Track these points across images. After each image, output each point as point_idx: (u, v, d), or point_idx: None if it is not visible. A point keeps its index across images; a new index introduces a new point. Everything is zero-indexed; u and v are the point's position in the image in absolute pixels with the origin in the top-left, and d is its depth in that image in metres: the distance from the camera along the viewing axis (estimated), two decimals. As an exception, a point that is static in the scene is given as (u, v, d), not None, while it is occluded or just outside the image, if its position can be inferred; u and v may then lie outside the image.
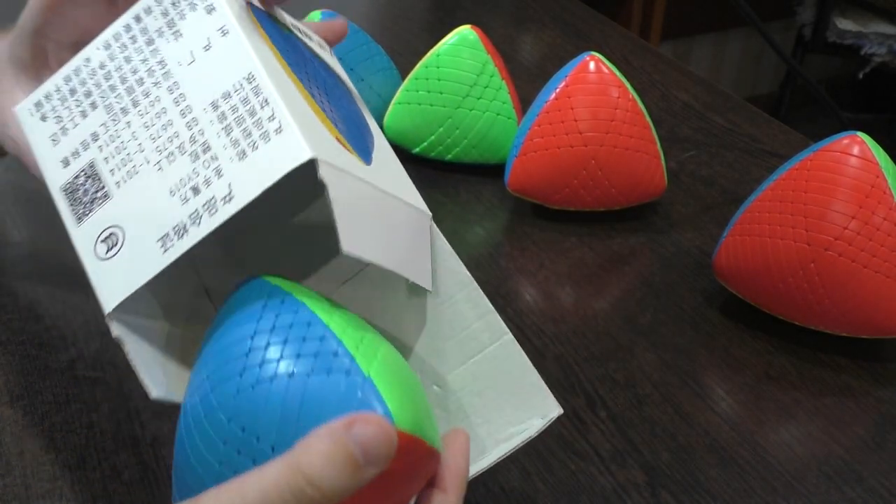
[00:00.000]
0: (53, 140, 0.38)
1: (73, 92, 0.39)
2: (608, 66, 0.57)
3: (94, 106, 0.38)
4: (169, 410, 0.45)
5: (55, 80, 0.39)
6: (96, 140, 0.37)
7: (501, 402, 0.39)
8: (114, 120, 0.37)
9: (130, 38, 0.38)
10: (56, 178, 0.38)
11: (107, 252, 0.36)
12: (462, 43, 0.62)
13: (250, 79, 0.34)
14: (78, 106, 0.38)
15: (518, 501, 0.41)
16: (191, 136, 0.35)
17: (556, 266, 0.56)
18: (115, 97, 0.37)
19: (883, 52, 1.94)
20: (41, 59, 0.45)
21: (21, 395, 0.46)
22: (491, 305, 0.39)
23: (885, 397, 0.47)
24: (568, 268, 0.56)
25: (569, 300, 0.54)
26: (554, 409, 0.38)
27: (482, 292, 0.39)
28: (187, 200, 0.34)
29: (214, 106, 0.35)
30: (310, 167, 0.33)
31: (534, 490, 0.42)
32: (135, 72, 0.37)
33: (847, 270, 0.47)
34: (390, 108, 0.64)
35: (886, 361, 0.50)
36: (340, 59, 0.63)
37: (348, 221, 0.33)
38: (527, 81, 0.75)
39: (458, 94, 0.62)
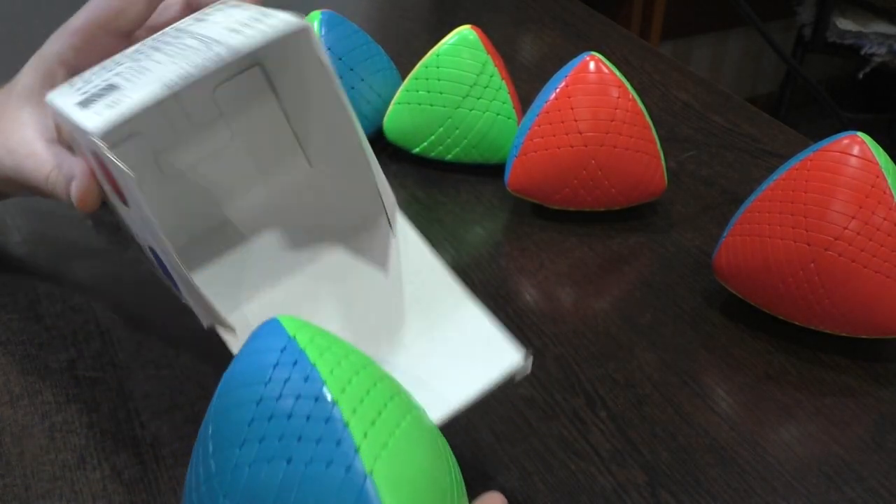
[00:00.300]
0: (78, 89, 0.41)
1: (104, 67, 0.42)
2: (608, 66, 0.57)
3: (120, 64, 0.42)
4: (169, 410, 0.46)
5: (92, 68, 0.43)
6: (118, 75, 0.40)
7: (466, 361, 0.40)
8: (136, 61, 0.41)
9: (163, 34, 0.43)
10: (71, 101, 0.40)
11: (108, 109, 0.37)
12: (462, 43, 0.62)
13: (263, 12, 0.40)
14: (106, 70, 0.42)
15: (518, 501, 0.41)
16: (202, 42, 0.40)
17: (556, 266, 0.56)
18: (142, 54, 0.42)
19: (883, 52, 1.94)
20: (49, 86, 0.46)
21: (21, 395, 0.46)
22: (454, 278, 0.42)
23: (885, 397, 0.47)
24: (568, 268, 0.56)
25: (569, 300, 0.54)
26: (518, 355, 0.39)
27: (449, 270, 0.42)
28: (191, 62, 0.38)
29: (228, 28, 0.40)
30: None
31: (534, 490, 0.42)
32: (157, 39, 0.42)
33: (847, 270, 0.47)
34: (390, 108, 0.64)
35: (886, 361, 0.50)
36: (340, 59, 0.64)
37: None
38: (527, 81, 0.75)
39: (458, 94, 0.62)
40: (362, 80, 0.65)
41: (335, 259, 0.44)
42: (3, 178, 0.47)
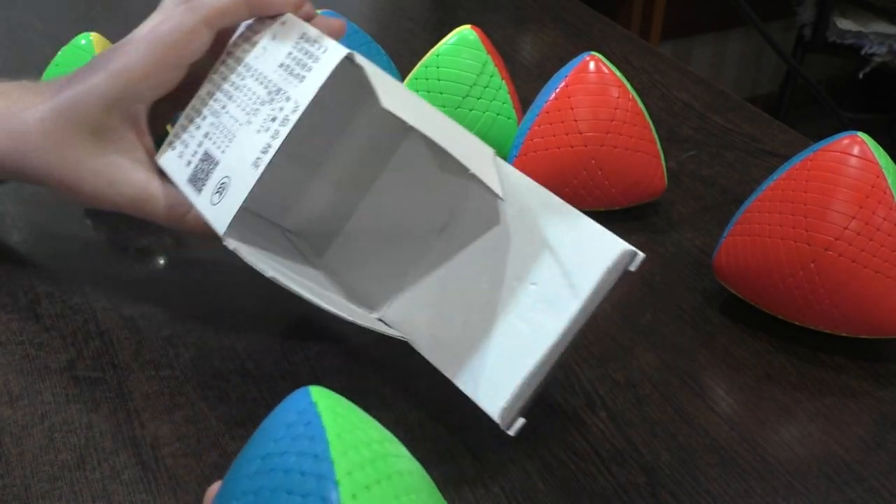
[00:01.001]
0: (179, 155, 0.46)
1: (191, 121, 0.47)
2: (608, 66, 0.57)
3: (203, 117, 0.46)
4: (169, 410, 0.46)
5: (180, 121, 0.48)
6: (207, 136, 0.45)
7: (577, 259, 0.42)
8: (216, 115, 0.45)
9: (226, 67, 0.47)
10: (182, 176, 0.46)
11: (220, 199, 0.43)
12: (462, 43, 0.62)
13: (303, 36, 0.44)
14: (195, 126, 0.46)
15: (518, 501, 0.41)
16: (268, 92, 0.43)
17: (556, 266, 0.56)
18: (218, 103, 0.46)
19: (883, 52, 1.94)
20: (134, 127, 0.48)
21: (21, 395, 0.46)
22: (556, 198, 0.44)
23: (885, 397, 0.47)
24: (568, 268, 0.56)
25: (569, 300, 0.54)
26: (622, 247, 0.41)
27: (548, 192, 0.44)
28: (269, 129, 0.42)
29: (282, 65, 0.44)
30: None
31: (534, 490, 0.42)
32: (225, 79, 0.47)
33: (847, 270, 0.47)
34: (390, 108, 0.64)
35: (886, 361, 0.50)
36: (341, 59, 0.63)
37: (383, 89, 0.41)
38: (527, 81, 0.75)
39: (458, 94, 0.62)
40: (362, 80, 0.65)
41: (450, 232, 0.47)
42: (105, 207, 0.49)
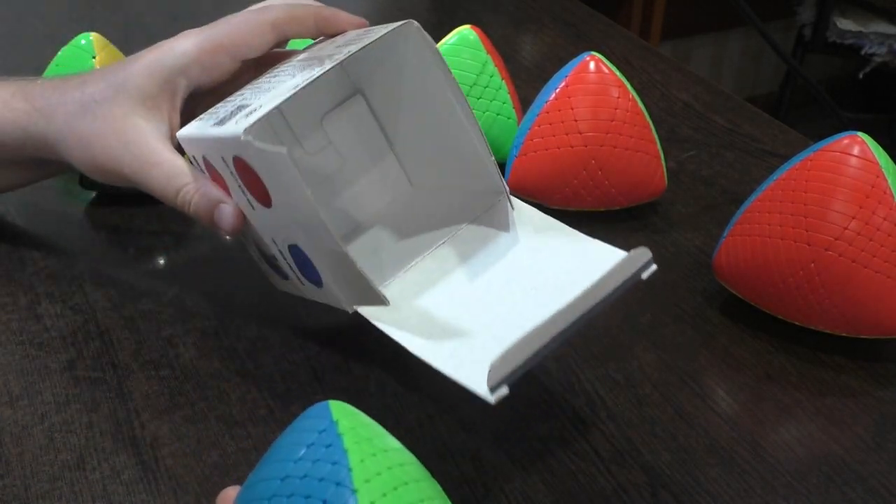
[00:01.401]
0: (207, 120, 0.45)
1: (228, 101, 0.46)
2: (608, 66, 0.57)
3: (242, 95, 0.45)
4: (169, 410, 0.46)
5: (217, 104, 0.47)
6: (243, 99, 0.44)
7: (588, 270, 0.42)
8: (258, 88, 0.44)
9: (278, 68, 0.47)
10: (206, 125, 0.44)
11: (244, 119, 0.40)
12: (462, 43, 0.62)
13: (370, 29, 0.46)
14: (229, 102, 0.45)
15: (518, 501, 0.41)
16: (319, 59, 0.43)
17: (556, 266, 0.56)
18: (259, 81, 0.46)
19: (883, 52, 1.94)
20: (169, 94, 0.48)
21: (21, 395, 0.46)
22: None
23: (885, 397, 0.47)
24: (568, 268, 0.56)
25: (569, 300, 0.54)
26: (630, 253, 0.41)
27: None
28: (312, 69, 0.42)
29: (337, 46, 0.45)
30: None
31: (534, 490, 0.42)
32: (278, 67, 0.47)
33: (847, 270, 0.47)
34: (390, 108, 0.64)
35: (886, 361, 0.50)
36: (341, 60, 0.64)
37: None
38: (527, 81, 0.75)
39: (458, 94, 0.62)
40: (362, 80, 0.65)
41: (461, 237, 0.47)
42: (113, 173, 0.48)
